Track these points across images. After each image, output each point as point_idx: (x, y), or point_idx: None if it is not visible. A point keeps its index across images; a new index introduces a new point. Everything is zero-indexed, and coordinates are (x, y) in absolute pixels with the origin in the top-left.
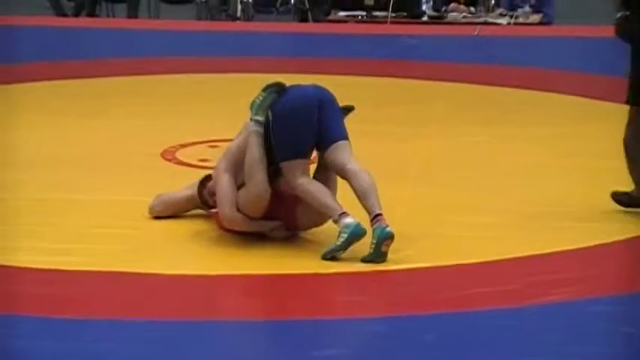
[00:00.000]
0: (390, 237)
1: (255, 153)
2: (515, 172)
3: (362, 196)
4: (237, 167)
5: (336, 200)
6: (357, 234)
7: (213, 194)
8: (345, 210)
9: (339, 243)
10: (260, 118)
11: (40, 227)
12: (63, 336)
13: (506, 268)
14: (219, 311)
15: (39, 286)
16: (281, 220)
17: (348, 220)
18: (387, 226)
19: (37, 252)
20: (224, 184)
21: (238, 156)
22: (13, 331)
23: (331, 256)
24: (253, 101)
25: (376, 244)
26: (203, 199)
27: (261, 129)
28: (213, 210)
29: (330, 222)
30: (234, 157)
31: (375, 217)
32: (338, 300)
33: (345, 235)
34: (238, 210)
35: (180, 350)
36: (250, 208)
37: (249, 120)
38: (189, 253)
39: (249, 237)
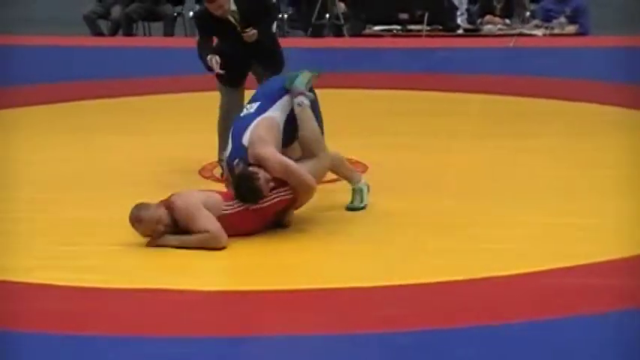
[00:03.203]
0: None
1: (316, 125)
2: (550, 184)
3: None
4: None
5: None
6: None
7: (268, 181)
8: None
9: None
10: (311, 94)
11: (72, 246)
12: (89, 354)
13: (536, 280)
14: (254, 327)
15: (67, 304)
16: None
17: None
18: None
19: (66, 269)
20: (290, 161)
21: (277, 136)
22: (36, 349)
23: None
24: (295, 77)
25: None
26: (258, 193)
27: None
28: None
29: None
30: (274, 139)
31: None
32: (369, 314)
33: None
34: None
35: None
36: (319, 177)
37: (287, 95)
38: (221, 269)
39: (276, 247)
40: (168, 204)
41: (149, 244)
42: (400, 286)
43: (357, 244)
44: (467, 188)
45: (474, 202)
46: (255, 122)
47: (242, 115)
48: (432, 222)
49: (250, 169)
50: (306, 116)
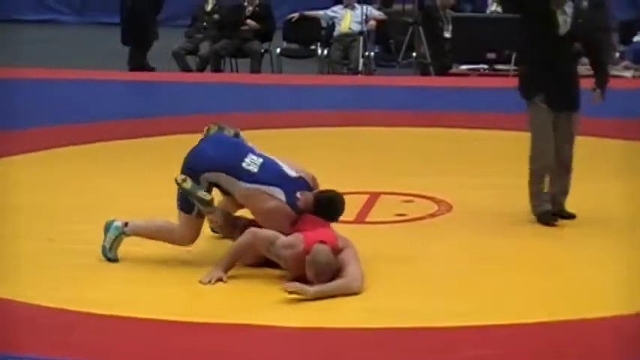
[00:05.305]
0: None
1: None
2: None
3: None
4: None
5: None
6: None
7: None
8: None
9: None
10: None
11: (165, 281)
12: None
13: (629, 323)
14: None
15: (168, 338)
16: None
17: None
18: None
19: (165, 303)
20: None
21: None
22: None
23: None
24: (229, 128)
25: None
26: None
27: None
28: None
29: None
30: None
31: None
32: (461, 353)
33: None
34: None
35: None
36: None
37: None
38: (306, 306)
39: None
40: (335, 247)
41: (308, 297)
42: (492, 325)
43: (445, 283)
44: (552, 228)
45: (561, 242)
46: (275, 158)
47: (254, 170)
48: (521, 261)
49: (327, 189)
50: None
